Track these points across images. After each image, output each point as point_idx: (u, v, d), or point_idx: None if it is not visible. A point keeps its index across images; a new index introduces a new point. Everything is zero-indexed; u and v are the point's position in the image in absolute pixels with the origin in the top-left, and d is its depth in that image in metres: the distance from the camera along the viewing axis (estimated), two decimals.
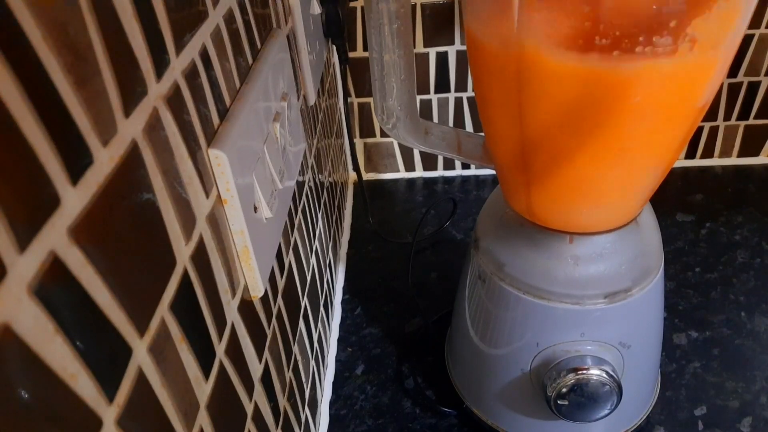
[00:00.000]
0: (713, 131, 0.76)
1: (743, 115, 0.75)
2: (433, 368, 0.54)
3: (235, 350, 0.28)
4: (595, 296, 0.38)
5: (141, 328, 0.19)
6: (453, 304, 0.49)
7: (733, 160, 0.78)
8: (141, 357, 0.19)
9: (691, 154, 0.78)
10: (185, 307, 0.22)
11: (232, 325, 0.28)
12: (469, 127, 0.76)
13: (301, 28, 0.43)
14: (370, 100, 0.74)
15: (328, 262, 0.58)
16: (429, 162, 0.80)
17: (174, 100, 0.22)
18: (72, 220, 0.15)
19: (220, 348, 0.26)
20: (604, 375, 0.38)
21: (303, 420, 0.42)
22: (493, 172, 0.76)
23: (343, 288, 0.64)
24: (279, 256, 0.36)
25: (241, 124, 0.27)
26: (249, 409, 0.30)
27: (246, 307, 0.30)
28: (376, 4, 0.36)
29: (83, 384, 0.15)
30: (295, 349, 0.41)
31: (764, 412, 0.48)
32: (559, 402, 0.38)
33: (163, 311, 0.20)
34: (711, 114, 0.75)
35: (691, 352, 0.53)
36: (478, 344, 0.44)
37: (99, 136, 0.16)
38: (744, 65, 0.71)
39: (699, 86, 0.30)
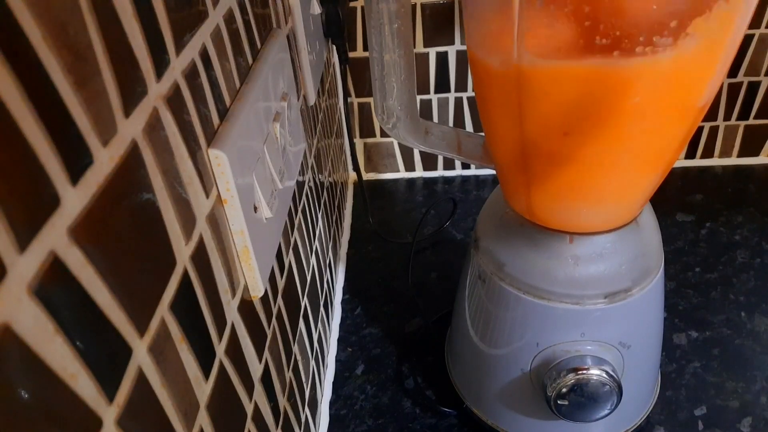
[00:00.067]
0: (713, 131, 0.76)
1: (743, 115, 0.75)
2: (433, 368, 0.54)
3: (235, 350, 0.28)
4: (595, 296, 0.38)
5: (141, 328, 0.19)
6: (453, 304, 0.49)
7: (733, 160, 0.78)
8: (141, 357, 0.19)
9: (691, 154, 0.78)
10: (185, 307, 0.22)
11: (232, 325, 0.28)
12: (469, 127, 0.76)
13: (301, 28, 0.43)
14: (370, 100, 0.74)
15: (328, 262, 0.58)
16: (429, 162, 0.80)
17: (174, 100, 0.22)
18: (72, 220, 0.15)
19: (220, 348, 0.26)
20: (604, 375, 0.38)
21: (303, 420, 0.42)
22: (493, 172, 0.76)
23: (343, 288, 0.64)
24: (279, 256, 0.36)
25: (241, 124, 0.27)
26: (249, 409, 0.30)
27: (246, 307, 0.30)
28: (376, 4, 0.36)
29: (83, 384, 0.15)
30: (295, 349, 0.41)
31: (764, 412, 0.48)
32: (559, 402, 0.38)
33: (163, 311, 0.20)
34: (711, 114, 0.75)
35: (691, 352, 0.53)
36: (478, 344, 0.44)
37: (99, 136, 0.16)
38: (744, 65, 0.71)
39: (699, 86, 0.30)
